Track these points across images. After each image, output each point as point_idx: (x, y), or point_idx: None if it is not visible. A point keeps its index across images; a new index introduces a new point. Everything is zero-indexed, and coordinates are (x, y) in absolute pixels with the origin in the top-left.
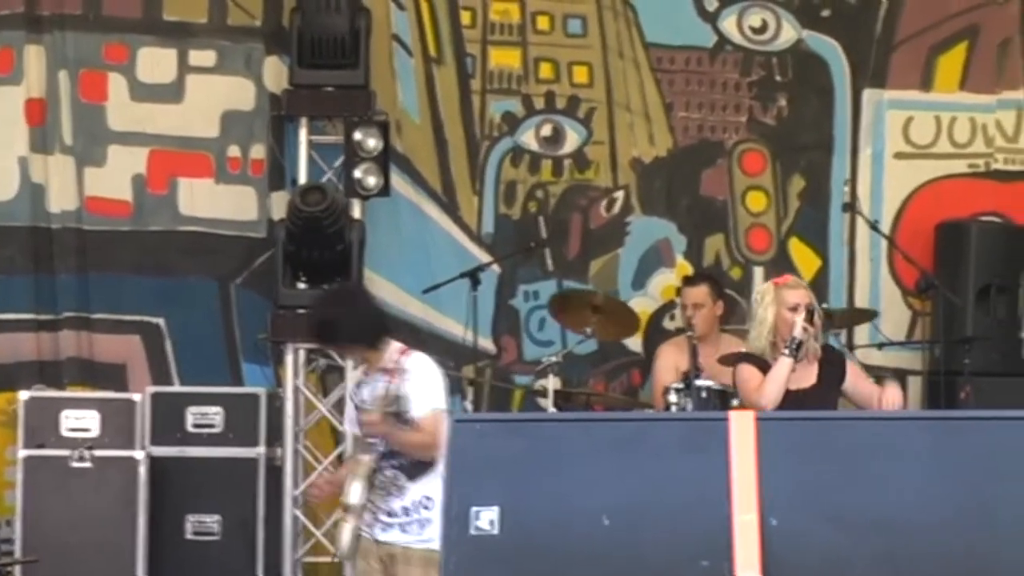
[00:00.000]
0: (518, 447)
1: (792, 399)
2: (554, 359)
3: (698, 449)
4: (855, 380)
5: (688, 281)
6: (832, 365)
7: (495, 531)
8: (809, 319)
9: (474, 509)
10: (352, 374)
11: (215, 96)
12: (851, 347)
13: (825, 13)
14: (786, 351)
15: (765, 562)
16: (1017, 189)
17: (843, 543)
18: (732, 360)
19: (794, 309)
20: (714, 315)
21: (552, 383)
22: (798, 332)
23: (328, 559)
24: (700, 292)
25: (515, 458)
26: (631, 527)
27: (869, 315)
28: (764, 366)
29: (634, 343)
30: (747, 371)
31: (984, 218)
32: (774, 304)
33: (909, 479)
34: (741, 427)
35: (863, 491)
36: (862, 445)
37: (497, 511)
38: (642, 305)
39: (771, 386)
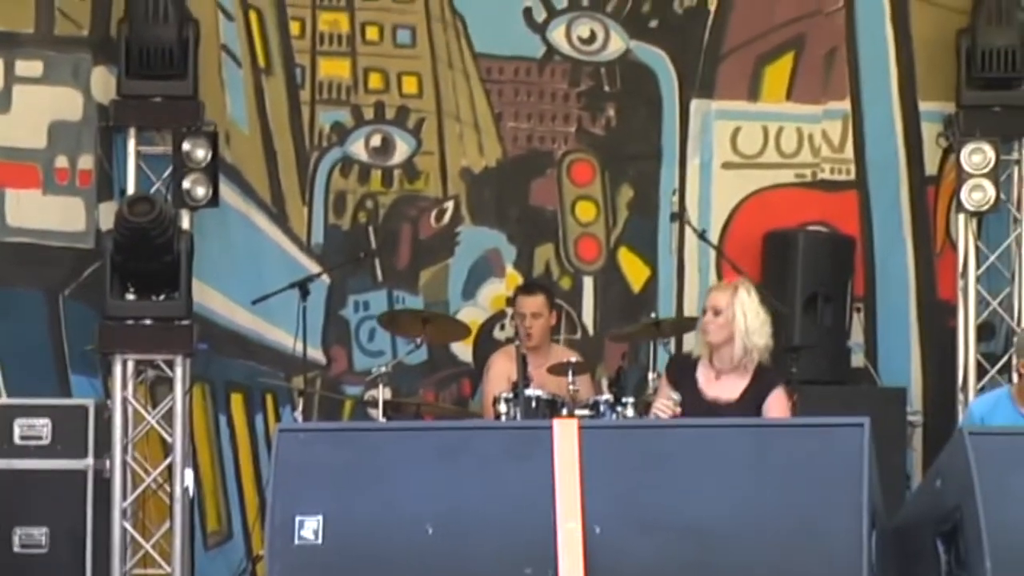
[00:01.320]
0: (343, 456)
1: (710, 410)
2: (384, 369)
3: (523, 457)
4: (769, 406)
5: (525, 290)
6: (759, 386)
7: (318, 540)
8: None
9: (298, 518)
10: None
11: (42, 106)
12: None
13: (653, 23)
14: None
15: (588, 570)
16: (843, 199)
17: (662, 551)
18: (561, 369)
19: (706, 311)
20: (549, 324)
21: (382, 393)
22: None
23: (157, 571)
24: (537, 301)
25: (340, 467)
26: (455, 535)
27: (696, 324)
28: (686, 376)
29: (464, 353)
30: (661, 384)
31: (811, 227)
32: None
33: (727, 487)
34: (565, 435)
35: (682, 499)
36: (682, 453)
37: (320, 520)
38: (472, 315)
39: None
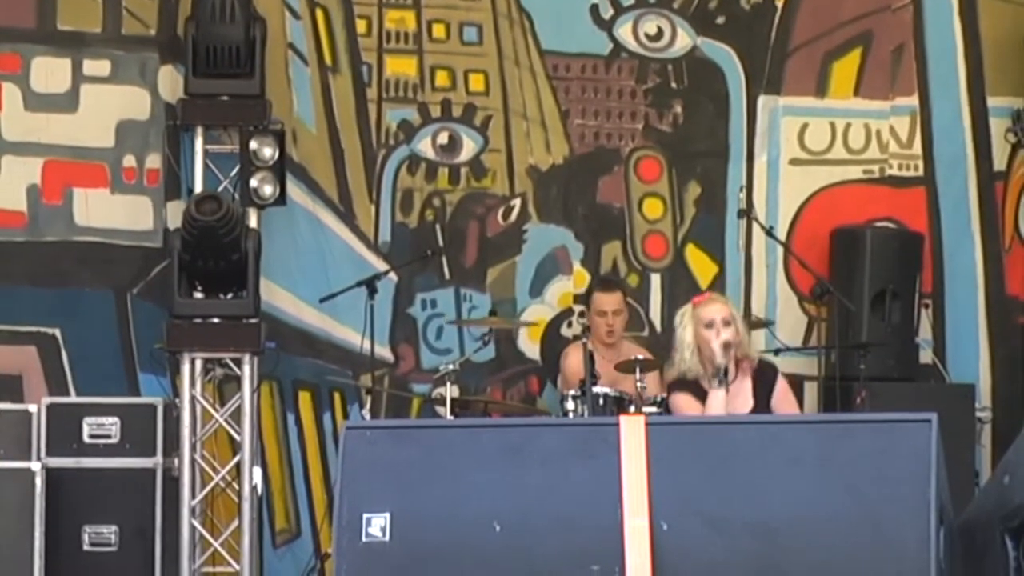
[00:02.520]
0: (409, 454)
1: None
2: (451, 367)
3: (589, 454)
4: (778, 401)
5: (603, 287)
6: (764, 382)
7: (386, 538)
8: (726, 344)
9: (365, 516)
10: None
11: (110, 105)
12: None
13: (720, 20)
14: (715, 382)
15: (656, 566)
16: (911, 195)
17: (729, 547)
18: (629, 367)
19: (710, 325)
20: (626, 321)
21: (450, 391)
22: (719, 359)
23: (226, 569)
24: (617, 298)
25: (406, 465)
26: (522, 533)
27: (764, 323)
28: (697, 390)
29: (531, 350)
30: (683, 402)
31: (879, 224)
32: (691, 323)
33: (794, 482)
34: (631, 432)
35: (749, 495)
36: (750, 448)
37: (388, 518)
38: (539, 313)
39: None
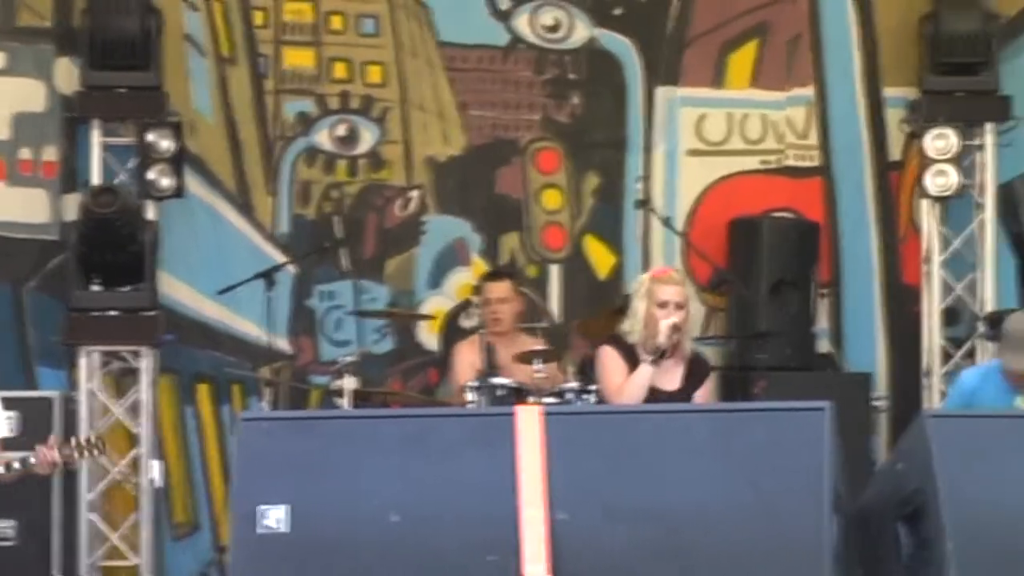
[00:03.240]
0: (307, 445)
1: (655, 398)
2: (351, 359)
3: (486, 444)
4: (700, 397)
5: (490, 277)
6: (697, 374)
7: (284, 529)
8: (674, 327)
9: (261, 507)
10: None
11: (5, 98)
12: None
13: (617, 11)
14: (650, 359)
15: (553, 556)
16: (808, 185)
17: (626, 536)
18: (528, 357)
19: (663, 305)
20: (516, 311)
21: (349, 383)
22: (663, 340)
23: (124, 563)
24: (504, 287)
25: (304, 456)
26: (420, 523)
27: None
28: (630, 354)
29: (430, 342)
30: (611, 360)
31: (776, 214)
32: (646, 298)
33: (691, 471)
34: (528, 422)
35: (647, 484)
36: (648, 438)
37: (286, 509)
38: (438, 304)
39: (631, 391)
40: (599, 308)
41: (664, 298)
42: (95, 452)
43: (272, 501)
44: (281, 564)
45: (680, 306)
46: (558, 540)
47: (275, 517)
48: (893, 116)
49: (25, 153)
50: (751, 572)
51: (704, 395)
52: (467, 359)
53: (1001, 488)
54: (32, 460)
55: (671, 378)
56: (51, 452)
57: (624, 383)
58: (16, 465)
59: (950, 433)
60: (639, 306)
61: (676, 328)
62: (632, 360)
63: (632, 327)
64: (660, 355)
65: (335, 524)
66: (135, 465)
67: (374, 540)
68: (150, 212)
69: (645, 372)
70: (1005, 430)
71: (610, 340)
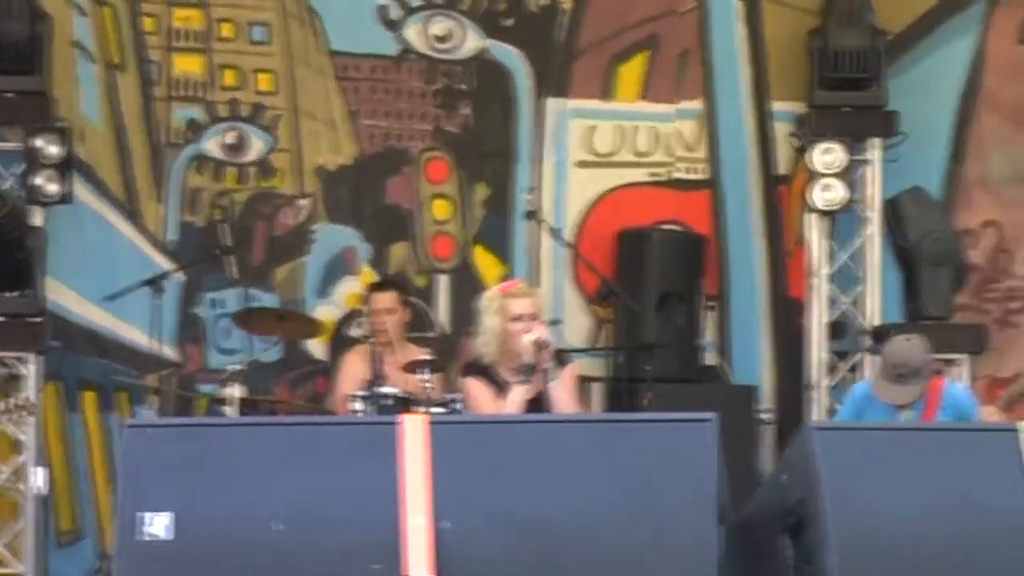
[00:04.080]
0: (192, 452)
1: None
2: (239, 367)
3: (372, 453)
4: (557, 387)
5: (377, 287)
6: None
7: (168, 537)
8: (538, 343)
9: (145, 515)
10: None
11: None
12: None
13: (508, 22)
14: (520, 378)
15: (437, 565)
16: (697, 198)
17: (511, 546)
18: (416, 367)
19: (517, 319)
20: (402, 321)
21: (237, 391)
22: (529, 357)
23: (8, 571)
24: (390, 297)
25: (189, 463)
26: (304, 532)
27: (551, 324)
28: (493, 377)
29: (319, 351)
30: (475, 389)
31: (664, 226)
32: (499, 314)
33: (576, 481)
34: (414, 430)
35: (531, 494)
36: (532, 448)
37: (170, 517)
38: (327, 313)
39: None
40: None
41: (517, 311)
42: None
43: (156, 508)
44: (164, 572)
45: (534, 317)
46: (442, 548)
47: (159, 524)
48: (781, 130)
49: None
50: None
51: (566, 385)
52: (354, 369)
53: (884, 501)
54: None
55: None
56: None
57: (499, 406)
58: None
59: (834, 445)
60: (491, 323)
61: (540, 344)
62: (494, 382)
63: (487, 346)
64: (529, 372)
65: (219, 532)
66: (19, 472)
67: (258, 548)
68: (37, 218)
69: (519, 394)
70: (888, 443)
71: (467, 369)
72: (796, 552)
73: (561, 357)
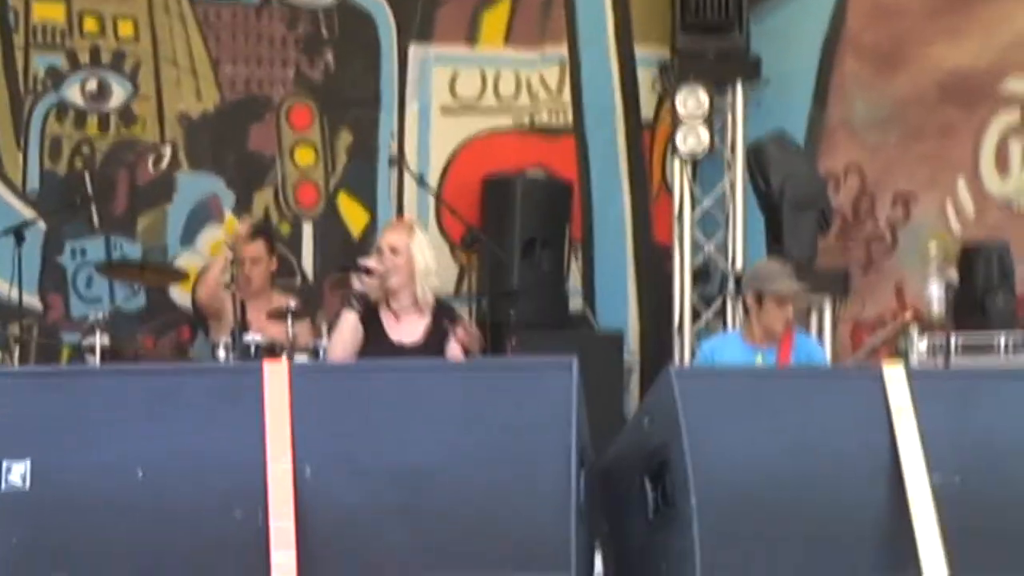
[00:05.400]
0: (52, 401)
1: (396, 353)
2: (101, 316)
3: (232, 400)
4: (456, 351)
5: (247, 236)
6: (440, 324)
7: (25, 486)
8: (367, 269)
9: (4, 463)
10: None
11: None
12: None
13: None
14: (347, 303)
15: (298, 511)
16: (561, 144)
17: (372, 494)
18: (280, 315)
19: (378, 252)
20: (269, 270)
21: (100, 340)
22: (356, 284)
23: None
24: (257, 247)
25: (48, 412)
26: (165, 479)
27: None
28: (370, 313)
29: (183, 299)
30: (343, 320)
31: (529, 173)
32: (374, 246)
33: (437, 428)
34: (275, 377)
35: (392, 441)
36: (393, 395)
37: (27, 465)
38: (191, 261)
39: (334, 339)
40: None
41: (379, 244)
42: None
43: (15, 457)
44: (22, 521)
45: (395, 251)
46: (304, 495)
47: (19, 473)
48: (645, 76)
49: None
50: (496, 527)
51: (462, 340)
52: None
53: (745, 444)
54: None
55: (412, 331)
56: None
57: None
58: None
59: (695, 389)
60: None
61: (368, 271)
62: (372, 318)
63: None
64: (356, 299)
65: (78, 481)
66: None
67: (118, 496)
68: None
69: (345, 319)
70: (749, 386)
71: (346, 300)
72: (657, 495)
73: (451, 314)
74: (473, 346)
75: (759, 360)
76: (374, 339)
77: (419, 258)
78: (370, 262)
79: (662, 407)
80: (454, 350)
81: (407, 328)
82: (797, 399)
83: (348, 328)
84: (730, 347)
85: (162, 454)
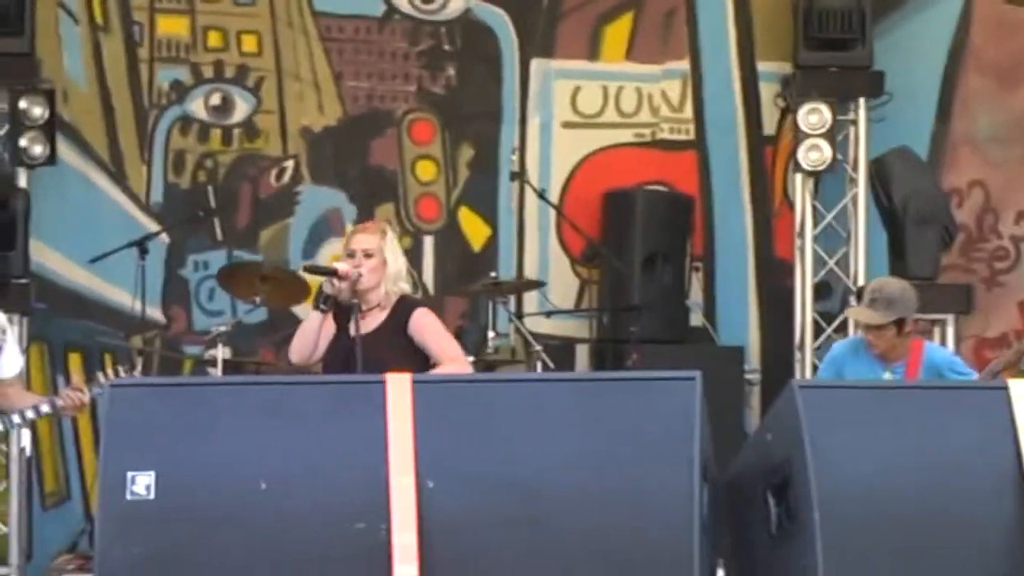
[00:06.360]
0: (174, 412)
1: (352, 346)
2: (223, 328)
3: (355, 412)
4: (422, 333)
5: None
6: (398, 314)
7: (151, 496)
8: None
9: (127, 475)
10: None
11: None
12: (520, 316)
13: None
14: (316, 303)
15: (421, 524)
16: (682, 158)
17: (492, 506)
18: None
19: (351, 255)
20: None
21: (221, 353)
22: (325, 287)
23: None
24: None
25: (171, 423)
26: (287, 491)
27: (536, 284)
28: (342, 315)
29: (304, 312)
30: (309, 318)
31: (650, 187)
32: (344, 249)
33: (557, 441)
34: (398, 390)
35: (512, 453)
36: (514, 406)
37: (153, 476)
38: (313, 276)
39: (296, 340)
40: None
41: (351, 247)
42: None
43: (140, 468)
44: (148, 531)
45: (368, 254)
46: (426, 508)
47: (143, 484)
48: (767, 91)
49: None
50: (617, 542)
51: (421, 324)
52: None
53: (868, 459)
54: (60, 403)
55: (370, 325)
56: (77, 393)
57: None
58: (45, 408)
59: (818, 403)
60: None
61: (338, 275)
62: (344, 319)
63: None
64: (324, 301)
65: (201, 491)
66: (5, 434)
67: (241, 507)
68: (22, 180)
69: (311, 317)
70: (873, 401)
71: (316, 299)
72: (780, 510)
73: (409, 301)
74: (434, 329)
75: (887, 376)
76: (342, 335)
77: (391, 260)
78: (340, 265)
79: (785, 421)
80: (416, 333)
81: (368, 323)
82: (921, 413)
83: (311, 327)
84: (861, 356)
85: (285, 465)
